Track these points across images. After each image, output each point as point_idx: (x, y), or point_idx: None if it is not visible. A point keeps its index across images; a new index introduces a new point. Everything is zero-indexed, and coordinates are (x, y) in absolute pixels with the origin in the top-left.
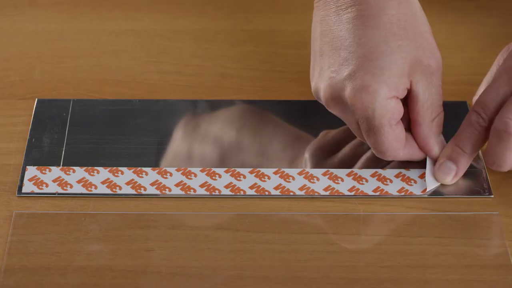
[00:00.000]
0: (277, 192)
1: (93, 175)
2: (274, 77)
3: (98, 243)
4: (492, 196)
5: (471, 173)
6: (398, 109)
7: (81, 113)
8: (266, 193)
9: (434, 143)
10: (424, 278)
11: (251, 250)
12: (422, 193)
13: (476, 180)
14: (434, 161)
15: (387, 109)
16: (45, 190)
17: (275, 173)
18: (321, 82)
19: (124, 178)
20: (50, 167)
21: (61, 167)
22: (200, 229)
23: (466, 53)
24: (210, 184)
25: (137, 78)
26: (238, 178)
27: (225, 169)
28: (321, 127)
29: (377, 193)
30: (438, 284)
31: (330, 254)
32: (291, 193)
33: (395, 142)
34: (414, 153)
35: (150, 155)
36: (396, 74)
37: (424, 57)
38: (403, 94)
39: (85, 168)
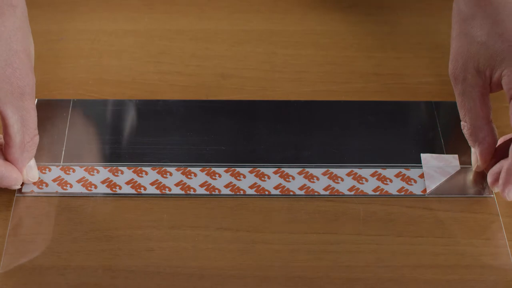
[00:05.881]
0: (277, 192)
1: (93, 175)
2: (274, 77)
3: (98, 243)
4: (492, 196)
5: (471, 173)
6: None
7: (81, 113)
8: (266, 192)
9: (23, 167)
10: (424, 278)
11: (251, 250)
12: (422, 193)
13: (476, 180)
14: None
15: None
16: (45, 189)
17: (275, 172)
18: None
19: (124, 178)
20: (50, 166)
21: (61, 166)
22: (200, 229)
23: None
24: (210, 184)
25: (137, 78)
26: (238, 178)
27: (225, 168)
28: (320, 127)
29: (377, 193)
30: (438, 284)
31: (330, 254)
32: (291, 193)
33: None
34: (10, 175)
35: (150, 155)
36: None
37: (14, 78)
38: None
39: (85, 167)
